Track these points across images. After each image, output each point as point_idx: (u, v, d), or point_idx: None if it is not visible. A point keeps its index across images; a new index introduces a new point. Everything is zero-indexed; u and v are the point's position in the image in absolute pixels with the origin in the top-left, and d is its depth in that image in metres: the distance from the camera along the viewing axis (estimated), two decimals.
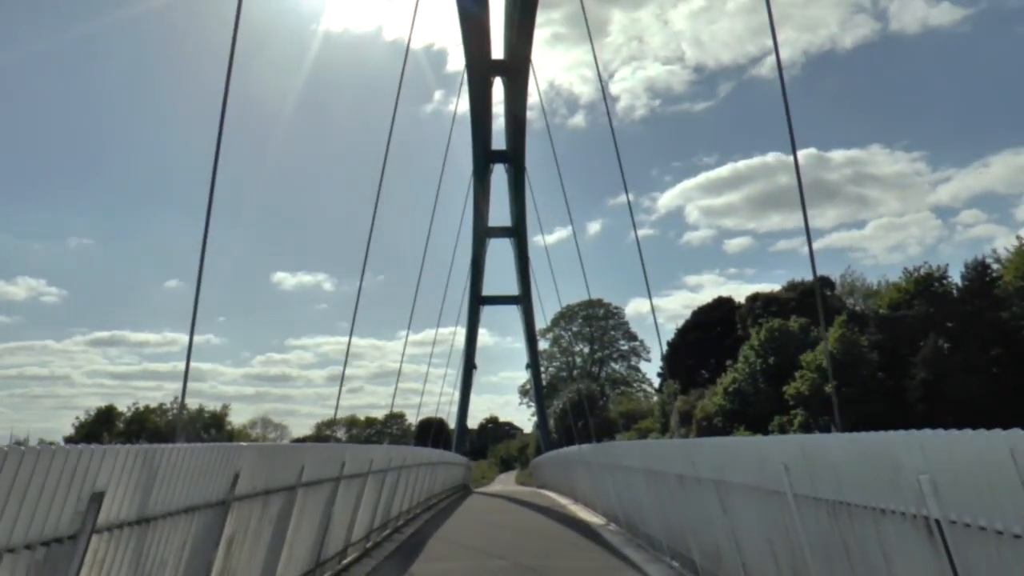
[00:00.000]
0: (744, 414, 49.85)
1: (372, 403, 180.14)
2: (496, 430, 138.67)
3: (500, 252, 67.35)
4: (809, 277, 62.04)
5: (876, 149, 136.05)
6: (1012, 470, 4.31)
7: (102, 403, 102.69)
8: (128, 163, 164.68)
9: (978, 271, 46.05)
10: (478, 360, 64.98)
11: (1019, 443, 4.26)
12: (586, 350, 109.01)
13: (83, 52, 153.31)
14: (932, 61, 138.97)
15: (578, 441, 44.38)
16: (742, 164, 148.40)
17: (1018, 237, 47.33)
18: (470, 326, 62.45)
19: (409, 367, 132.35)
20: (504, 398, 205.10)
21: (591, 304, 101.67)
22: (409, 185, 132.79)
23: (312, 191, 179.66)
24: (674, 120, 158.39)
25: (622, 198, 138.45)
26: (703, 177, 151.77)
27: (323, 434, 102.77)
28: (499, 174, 55.16)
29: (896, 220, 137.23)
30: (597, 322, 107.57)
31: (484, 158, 52.22)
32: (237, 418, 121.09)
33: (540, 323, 71.28)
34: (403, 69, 22.53)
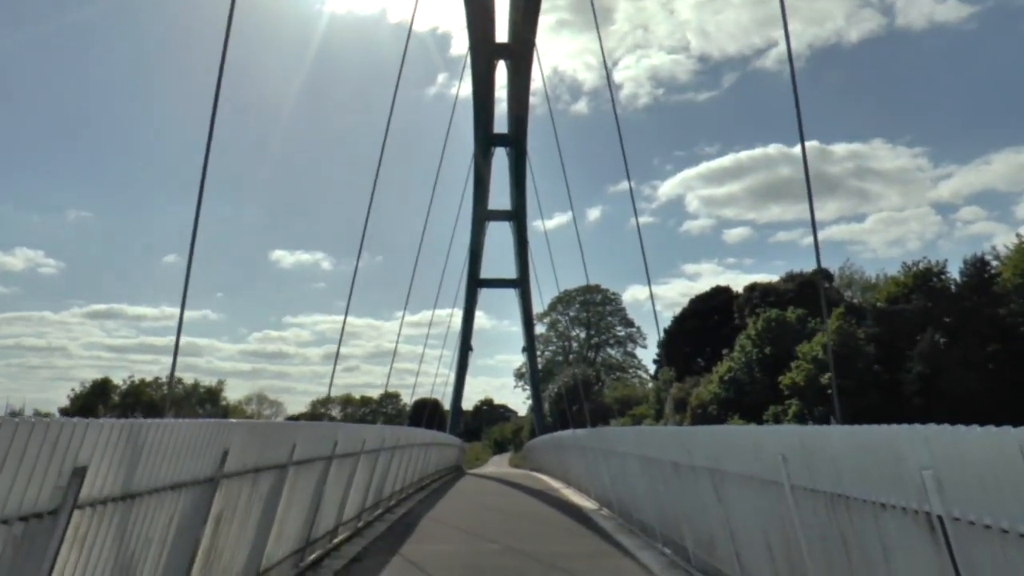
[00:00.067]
0: (739, 403, 49.86)
1: (368, 382, 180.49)
2: (491, 412, 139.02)
3: (499, 235, 67.21)
4: (807, 268, 62.06)
5: (878, 143, 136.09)
6: (1021, 468, 4.19)
7: (98, 375, 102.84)
8: (129, 137, 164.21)
9: (977, 267, 46.01)
10: (474, 342, 65.05)
11: None
12: (582, 335, 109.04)
13: (85, 27, 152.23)
14: (937, 57, 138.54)
15: (572, 425, 44.38)
16: (744, 155, 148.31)
17: (1018, 235, 47.32)
18: (467, 308, 62.40)
19: (405, 348, 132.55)
20: (499, 381, 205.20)
21: (589, 290, 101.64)
22: (410, 167, 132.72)
23: (313, 170, 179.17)
24: (677, 109, 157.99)
25: (622, 185, 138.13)
26: (704, 167, 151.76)
27: (318, 412, 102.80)
28: (500, 158, 54.97)
29: (896, 215, 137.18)
30: (594, 308, 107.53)
31: (486, 141, 52.00)
32: (233, 394, 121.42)
33: (537, 307, 71.31)
34: (405, 51, 22.33)
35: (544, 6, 41.40)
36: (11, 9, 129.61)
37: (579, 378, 66.52)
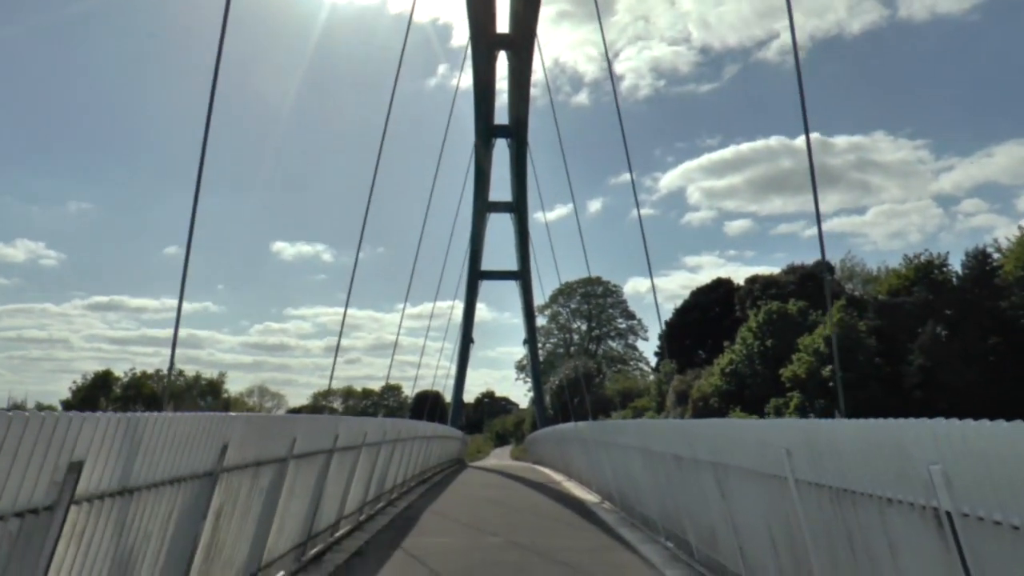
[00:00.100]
0: (740, 395, 49.83)
1: (369, 374, 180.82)
2: (492, 405, 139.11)
3: (500, 227, 67.09)
4: (808, 261, 61.98)
5: (880, 136, 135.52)
6: None
7: (100, 367, 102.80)
8: (130, 129, 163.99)
9: (979, 260, 45.87)
10: (476, 334, 65.04)
11: None
12: (584, 327, 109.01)
13: (87, 18, 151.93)
14: (940, 49, 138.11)
15: (574, 418, 44.34)
16: (745, 147, 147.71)
17: (1020, 227, 47.29)
18: (468, 300, 62.36)
19: (407, 340, 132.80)
20: (501, 373, 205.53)
21: (590, 282, 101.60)
22: (411, 158, 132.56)
23: (314, 162, 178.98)
24: (678, 101, 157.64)
25: (623, 177, 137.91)
26: (705, 159, 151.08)
27: (319, 404, 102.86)
28: (501, 149, 54.83)
29: (897, 207, 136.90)
30: (595, 300, 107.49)
31: (486, 132, 51.88)
32: (234, 386, 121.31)
33: (538, 299, 71.25)
34: (405, 42, 22.22)
35: None
36: (15, 1, 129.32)
37: (580, 370, 66.53)
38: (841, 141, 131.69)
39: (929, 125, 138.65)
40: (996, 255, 46.49)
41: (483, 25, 42.63)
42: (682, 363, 62.56)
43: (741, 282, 67.72)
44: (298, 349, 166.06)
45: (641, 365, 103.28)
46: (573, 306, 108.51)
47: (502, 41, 44.96)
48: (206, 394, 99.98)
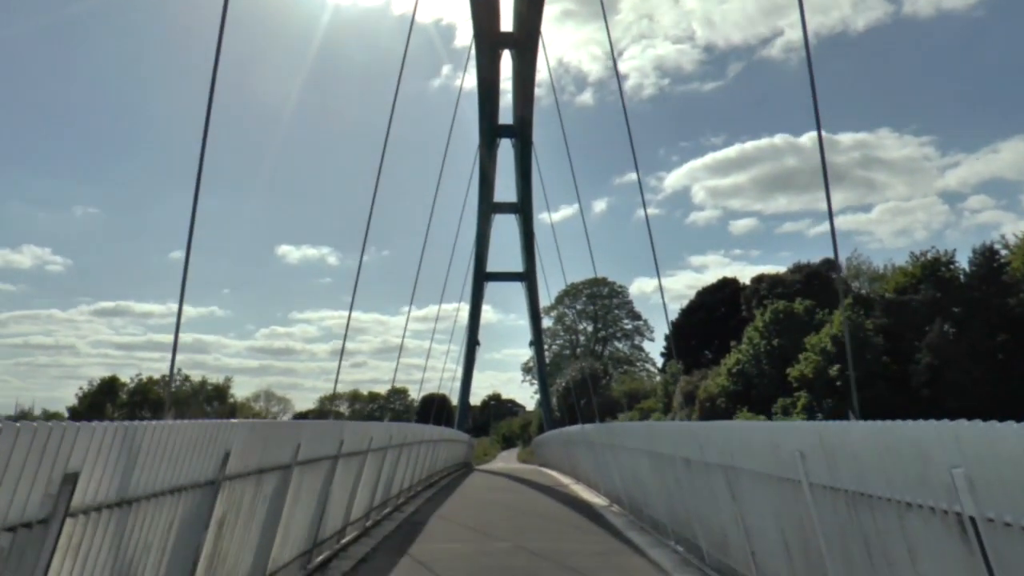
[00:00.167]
0: (747, 396, 49.60)
1: (375, 378, 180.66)
2: (498, 407, 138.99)
3: (505, 228, 66.87)
4: (815, 259, 61.73)
5: (885, 133, 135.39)
6: None
7: (107, 373, 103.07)
8: (135, 133, 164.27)
9: (986, 257, 45.56)
10: (481, 337, 64.71)
11: None
12: (590, 328, 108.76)
13: (93, 21, 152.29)
14: (944, 46, 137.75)
15: (581, 420, 44.17)
16: (750, 145, 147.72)
17: None
18: (474, 302, 62.09)
19: (413, 343, 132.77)
20: (507, 375, 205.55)
21: (595, 282, 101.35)
22: (416, 160, 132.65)
23: (318, 165, 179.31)
24: (683, 100, 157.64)
25: (628, 177, 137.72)
26: (710, 157, 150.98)
27: (326, 408, 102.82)
28: (505, 149, 54.67)
29: (903, 204, 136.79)
30: (601, 301, 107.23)
31: (491, 132, 51.68)
32: (240, 391, 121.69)
33: (544, 301, 71.05)
34: (407, 43, 22.07)
35: None
36: (18, 3, 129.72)
37: (587, 372, 66.36)
38: (846, 138, 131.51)
39: (934, 122, 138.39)
40: (1004, 252, 46.17)
41: (487, 24, 42.49)
42: (688, 363, 62.31)
43: (747, 281, 67.45)
44: (304, 353, 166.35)
45: (647, 366, 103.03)
46: (579, 307, 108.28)
47: (506, 40, 44.79)
48: (212, 399, 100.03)
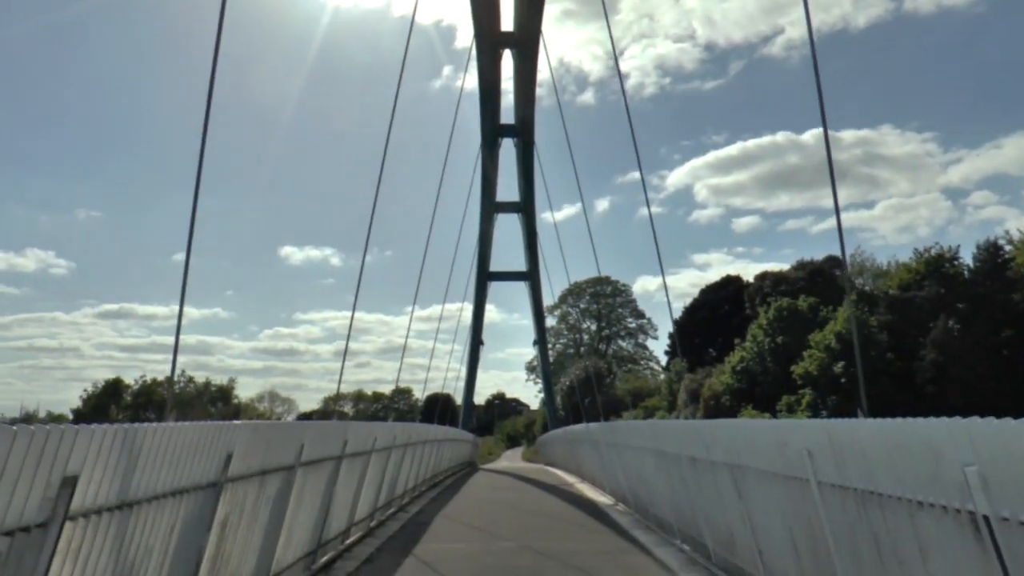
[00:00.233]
0: (752, 393, 49.47)
1: (379, 378, 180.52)
2: (503, 406, 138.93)
3: (508, 228, 66.83)
4: (818, 256, 61.61)
5: (887, 129, 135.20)
6: None
7: (111, 376, 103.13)
8: (138, 135, 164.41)
9: (990, 252, 45.37)
10: (485, 336, 64.66)
11: None
12: (593, 327, 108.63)
13: (96, 23, 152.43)
14: (946, 42, 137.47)
15: (585, 418, 44.09)
16: (751, 143, 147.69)
17: None
18: (477, 302, 62.04)
19: (416, 343, 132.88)
20: (511, 374, 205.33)
21: (599, 281, 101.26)
22: (417, 160, 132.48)
23: (320, 166, 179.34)
24: (684, 98, 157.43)
25: (631, 176, 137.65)
26: (712, 156, 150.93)
27: (330, 409, 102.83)
28: (507, 149, 54.59)
29: (906, 201, 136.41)
30: (604, 299, 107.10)
31: (493, 132, 51.60)
32: (244, 392, 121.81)
33: (547, 300, 70.91)
34: (407, 43, 21.99)
35: None
36: (20, 5, 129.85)
37: (591, 370, 66.25)
38: (848, 135, 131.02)
39: (936, 118, 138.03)
40: (1008, 247, 45.96)
41: (487, 23, 42.40)
42: (692, 361, 62.17)
43: (750, 279, 67.34)
44: (308, 354, 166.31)
45: (652, 364, 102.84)
46: (582, 306, 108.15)
47: (507, 40, 44.70)
48: (216, 401, 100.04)
